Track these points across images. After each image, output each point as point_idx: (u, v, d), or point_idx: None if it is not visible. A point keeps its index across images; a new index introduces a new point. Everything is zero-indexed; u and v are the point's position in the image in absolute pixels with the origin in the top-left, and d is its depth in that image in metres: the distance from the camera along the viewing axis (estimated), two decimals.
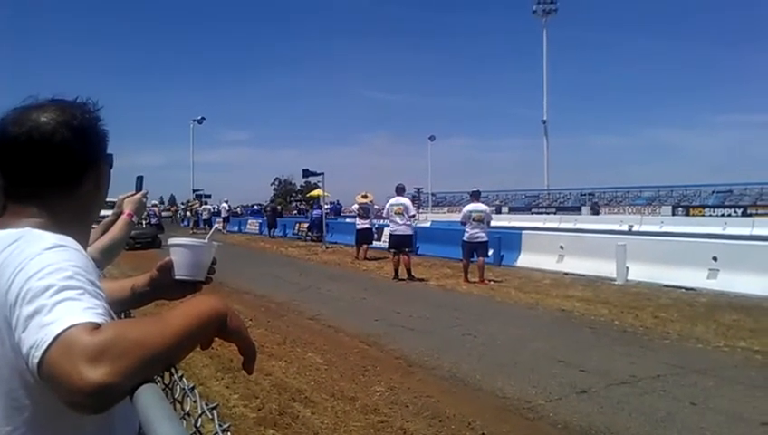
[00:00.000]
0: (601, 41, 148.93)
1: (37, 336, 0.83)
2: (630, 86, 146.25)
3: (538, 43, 68.77)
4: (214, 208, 39.14)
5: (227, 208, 38.39)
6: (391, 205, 13.80)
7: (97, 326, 0.83)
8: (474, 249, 12.64)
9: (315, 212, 26.41)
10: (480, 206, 13.16)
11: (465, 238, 12.81)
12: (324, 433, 4.62)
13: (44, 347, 0.81)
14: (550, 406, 5.15)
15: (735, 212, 43.38)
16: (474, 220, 12.69)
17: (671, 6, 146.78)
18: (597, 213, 43.73)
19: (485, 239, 12.80)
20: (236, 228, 35.46)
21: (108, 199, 1.33)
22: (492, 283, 12.19)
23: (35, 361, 0.81)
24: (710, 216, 41.56)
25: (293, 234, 27.79)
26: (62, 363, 0.79)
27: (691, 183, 55.43)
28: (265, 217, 31.39)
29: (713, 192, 51.74)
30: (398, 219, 13.52)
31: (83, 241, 1.15)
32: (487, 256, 12.91)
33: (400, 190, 14.17)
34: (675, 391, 5.45)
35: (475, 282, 12.22)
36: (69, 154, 1.12)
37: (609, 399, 5.29)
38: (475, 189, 13.81)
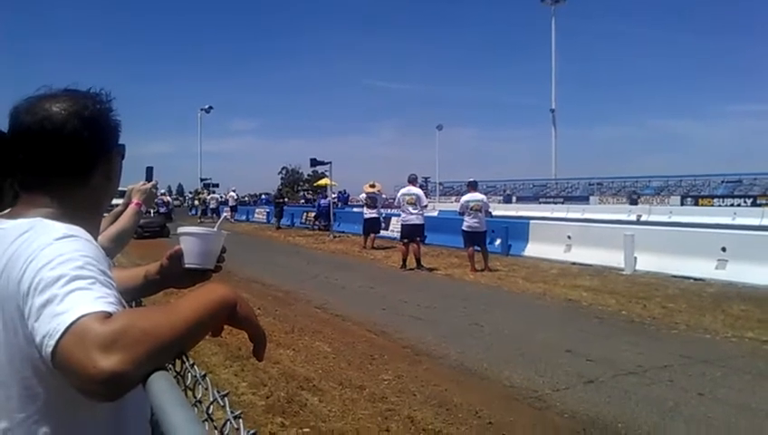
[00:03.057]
0: (610, 30, 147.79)
1: (50, 326, 0.84)
2: (639, 76, 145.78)
3: (546, 33, 68.13)
4: (221, 197, 39.17)
5: (235, 198, 38.42)
6: (403, 195, 13.80)
7: (109, 315, 0.85)
8: (473, 239, 12.72)
9: (322, 201, 26.35)
10: (477, 195, 13.22)
11: (463, 228, 12.95)
12: (332, 421, 4.64)
13: (57, 336, 0.82)
14: (557, 395, 5.16)
15: (745, 202, 43.08)
16: (472, 210, 12.77)
17: None
18: (635, 203, 42.96)
19: (484, 230, 12.92)
20: (244, 217, 35.55)
21: (119, 188, 1.33)
22: (498, 271, 12.21)
23: (49, 350, 0.82)
24: (719, 206, 41.27)
25: (301, 223, 27.79)
26: (76, 352, 0.81)
27: (700, 173, 55.11)
28: (274, 206, 30.31)
29: (722, 182, 51.42)
30: (410, 209, 13.54)
31: (94, 231, 1.16)
32: (485, 246, 12.95)
33: (413, 180, 14.16)
34: (682, 382, 5.45)
35: (482, 270, 12.25)
36: (80, 144, 1.13)
37: (617, 389, 5.29)
38: (471, 180, 13.85)
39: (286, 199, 32.83)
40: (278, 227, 27.03)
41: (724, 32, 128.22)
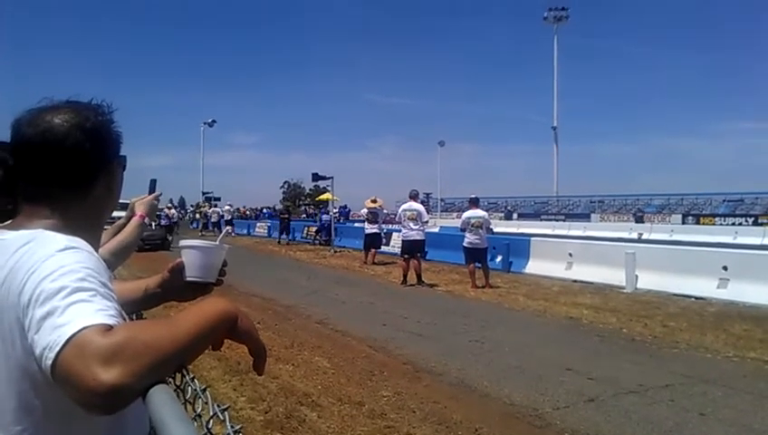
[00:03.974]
0: (611, 48, 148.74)
1: (50, 338, 0.83)
2: (640, 93, 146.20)
3: (549, 50, 68.60)
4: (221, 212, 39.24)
5: (230, 211, 38.42)
6: (404, 210, 13.83)
7: (109, 328, 0.84)
8: (474, 256, 12.72)
9: (324, 217, 26.27)
10: (479, 212, 13.29)
11: (465, 244, 12.97)
12: None
13: (58, 349, 0.82)
14: (557, 414, 5.13)
15: (746, 221, 43.11)
16: (473, 226, 12.79)
17: (681, 14, 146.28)
18: (641, 220, 42.79)
19: (485, 246, 12.94)
20: (245, 231, 35.59)
21: (121, 201, 1.34)
22: (499, 288, 12.19)
23: (49, 362, 0.82)
24: (721, 225, 41.31)
25: (302, 237, 27.78)
26: (76, 365, 0.80)
27: (702, 192, 55.15)
28: (279, 221, 29.30)
29: (723, 201, 51.45)
30: (411, 225, 13.55)
31: (95, 243, 1.16)
32: (486, 263, 12.94)
33: (414, 196, 14.17)
34: (683, 401, 5.41)
35: (482, 287, 12.23)
36: (81, 156, 1.13)
37: (617, 408, 5.25)
38: (473, 196, 13.95)
39: (289, 215, 32.19)
40: (286, 243, 26.64)
41: (724, 50, 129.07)
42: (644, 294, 11.37)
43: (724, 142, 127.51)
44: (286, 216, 29.60)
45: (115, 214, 1.57)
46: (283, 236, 27.83)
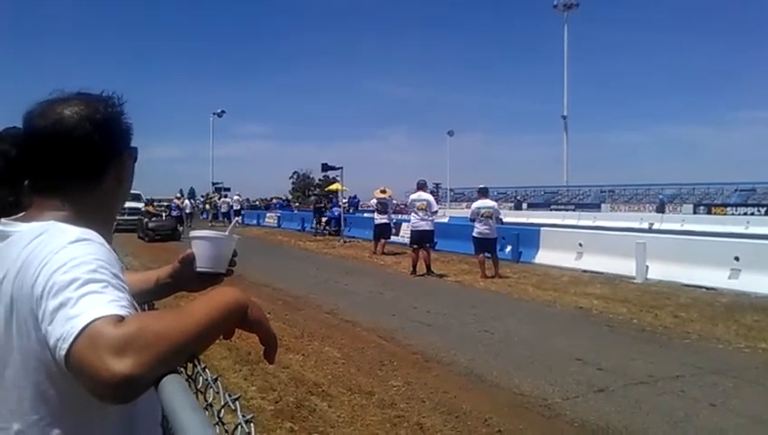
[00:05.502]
0: (622, 36, 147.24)
1: (63, 329, 0.84)
2: (652, 82, 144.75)
3: (559, 38, 67.99)
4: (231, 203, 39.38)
5: (239, 201, 38.53)
6: (414, 200, 13.83)
7: (121, 319, 0.85)
8: (483, 246, 12.72)
9: (335, 210, 26.04)
10: (488, 202, 13.29)
11: (474, 234, 12.96)
12: (341, 427, 4.64)
13: (71, 340, 0.83)
14: (567, 404, 5.13)
15: (758, 211, 42.61)
16: (482, 216, 12.79)
17: (692, 1, 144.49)
18: (662, 210, 42.31)
19: (494, 236, 12.95)
20: (255, 222, 35.71)
21: (132, 191, 1.34)
22: (509, 278, 12.18)
23: (62, 353, 0.83)
24: (732, 214, 40.91)
25: (311, 227, 27.81)
26: (89, 356, 0.81)
27: (713, 181, 54.69)
28: (314, 211, 27.84)
29: (735, 190, 51.00)
30: (420, 215, 13.55)
31: (107, 234, 1.17)
32: (496, 253, 12.93)
33: (422, 186, 14.17)
34: (694, 392, 5.40)
35: (492, 277, 12.23)
36: (91, 148, 1.14)
37: (627, 398, 5.25)
38: (482, 186, 13.94)
39: (325, 206, 30.71)
40: (317, 234, 25.37)
41: (737, 38, 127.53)
42: (654, 284, 11.32)
43: (737, 131, 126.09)
44: (322, 205, 28.65)
45: (127, 205, 1.58)
46: (318, 227, 26.09)
